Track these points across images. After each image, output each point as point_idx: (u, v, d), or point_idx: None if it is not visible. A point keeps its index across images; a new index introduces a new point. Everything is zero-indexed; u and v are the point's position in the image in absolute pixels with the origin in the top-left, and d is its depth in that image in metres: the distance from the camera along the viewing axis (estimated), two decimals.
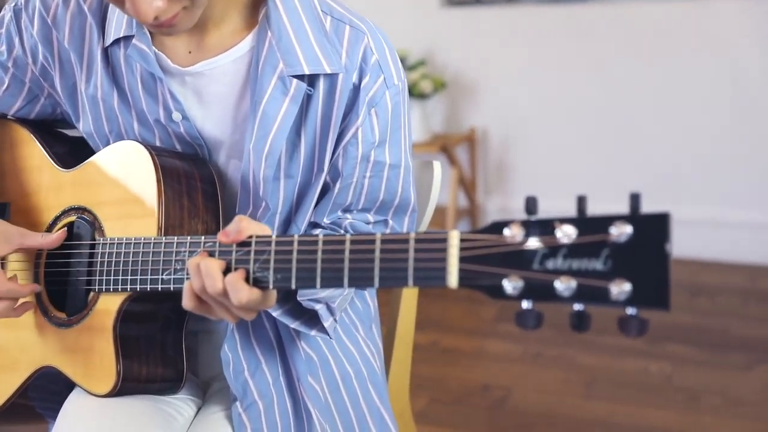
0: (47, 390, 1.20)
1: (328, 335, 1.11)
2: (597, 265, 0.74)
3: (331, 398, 1.18)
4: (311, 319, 1.10)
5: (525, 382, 2.56)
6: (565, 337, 2.79)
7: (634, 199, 0.76)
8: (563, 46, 3.61)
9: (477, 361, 2.78)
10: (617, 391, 2.48)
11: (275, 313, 1.09)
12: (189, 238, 0.98)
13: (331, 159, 1.13)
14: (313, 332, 1.11)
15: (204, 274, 0.91)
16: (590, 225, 0.76)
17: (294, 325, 1.10)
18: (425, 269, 0.81)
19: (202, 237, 0.97)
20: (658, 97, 3.52)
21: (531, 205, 0.80)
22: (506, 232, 0.78)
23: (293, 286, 0.89)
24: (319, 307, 1.08)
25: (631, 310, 0.73)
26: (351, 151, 1.12)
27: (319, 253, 0.88)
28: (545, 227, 0.77)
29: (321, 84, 1.10)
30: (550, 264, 0.76)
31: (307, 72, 1.08)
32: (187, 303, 0.93)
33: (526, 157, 3.77)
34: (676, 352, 2.73)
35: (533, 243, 0.77)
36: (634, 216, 0.74)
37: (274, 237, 0.91)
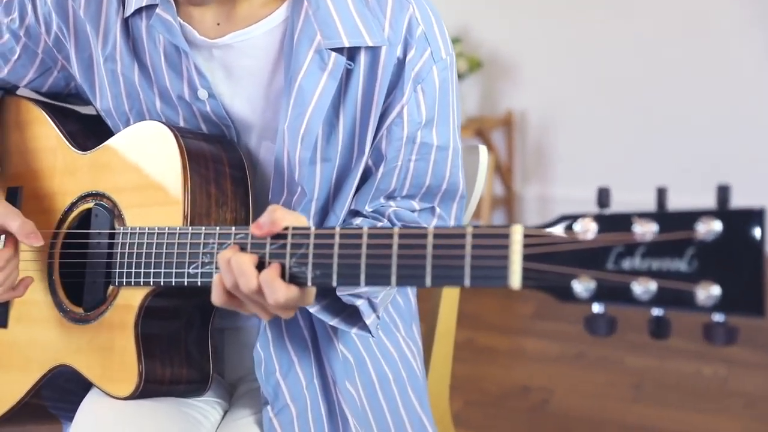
0: (62, 390, 1.17)
1: (370, 333, 1.07)
2: (681, 265, 0.70)
3: (367, 403, 1.15)
4: (351, 315, 1.06)
5: (567, 383, 2.52)
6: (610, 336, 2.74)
7: (722, 191, 0.71)
8: (606, 22, 3.54)
9: (515, 361, 2.74)
10: (667, 395, 2.43)
11: (312, 309, 1.05)
12: (218, 228, 0.94)
13: (373, 141, 1.09)
14: (354, 330, 1.06)
15: (236, 272, 0.87)
16: (673, 221, 0.71)
17: (333, 322, 1.06)
18: (484, 267, 0.77)
19: (233, 228, 0.93)
20: (707, 78, 3.44)
21: (604, 196, 0.75)
22: (576, 227, 0.74)
23: (334, 284, 0.85)
24: (360, 303, 1.04)
25: (718, 317, 0.69)
26: (395, 131, 1.08)
27: (364, 248, 0.83)
28: (621, 222, 0.72)
29: (362, 58, 1.06)
30: (627, 264, 0.72)
31: (346, 45, 1.04)
32: (216, 299, 0.90)
33: (567, 142, 3.71)
34: (731, 354, 2.67)
35: (607, 240, 0.73)
36: (723, 211, 0.69)
37: (312, 229, 0.87)
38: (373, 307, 1.06)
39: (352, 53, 1.06)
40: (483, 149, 1.29)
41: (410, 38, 1.07)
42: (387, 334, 1.22)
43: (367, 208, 1.11)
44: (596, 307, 0.73)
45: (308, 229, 0.88)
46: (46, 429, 1.79)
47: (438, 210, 1.15)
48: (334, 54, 1.04)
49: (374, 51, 1.06)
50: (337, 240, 0.85)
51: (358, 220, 1.09)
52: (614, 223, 0.73)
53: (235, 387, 1.20)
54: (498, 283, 0.76)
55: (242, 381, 1.19)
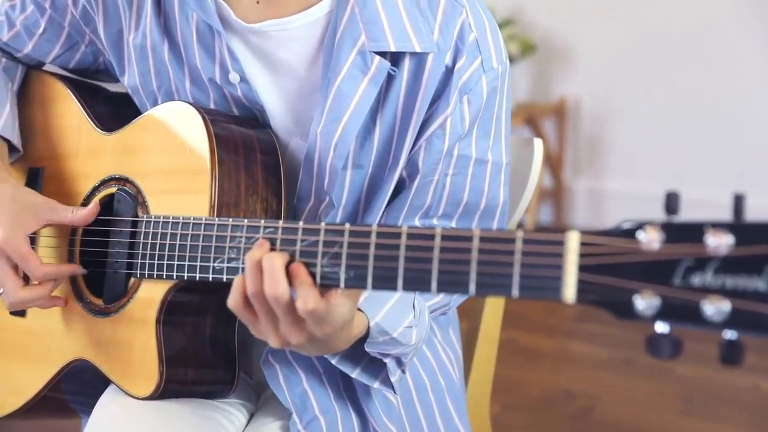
0: (81, 383, 1.14)
1: (393, 390, 1.02)
2: (759, 284, 0.64)
3: (403, 411, 1.11)
4: (374, 363, 1.01)
5: (613, 391, 2.46)
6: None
7: (738, 202, 0.65)
8: (668, 7, 3.43)
9: (559, 364, 2.68)
10: (720, 409, 2.36)
11: (333, 360, 1.00)
12: (246, 220, 0.90)
13: (410, 152, 1.04)
14: (376, 384, 1.02)
15: (266, 272, 0.82)
16: (752, 233, 0.65)
17: (354, 374, 1.01)
18: (535, 278, 0.71)
19: (261, 221, 0.89)
20: None
21: (672, 202, 0.69)
22: (640, 235, 0.68)
23: (369, 287, 0.80)
24: (388, 361, 1.00)
25: None
26: (436, 144, 1.03)
27: (403, 249, 0.79)
28: (691, 233, 0.67)
29: (406, 63, 1.02)
30: (697, 280, 0.66)
31: (392, 49, 1.00)
32: (233, 302, 0.84)
33: (622, 133, 3.61)
34: None
35: (675, 251, 0.67)
36: None
37: (347, 225, 0.82)
38: (400, 364, 1.02)
39: (396, 57, 1.02)
40: (538, 142, 1.23)
41: (461, 45, 1.02)
42: (425, 341, 1.16)
43: None
44: (660, 327, 0.68)
45: (343, 225, 0.83)
46: (65, 423, 1.78)
47: None
48: (377, 57, 1.00)
49: (420, 57, 1.01)
50: (374, 239, 0.81)
51: None
52: (684, 233, 0.67)
53: (264, 387, 1.17)
54: (550, 296, 0.71)
55: None
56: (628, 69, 3.55)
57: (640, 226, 0.69)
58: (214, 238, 0.93)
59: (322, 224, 0.84)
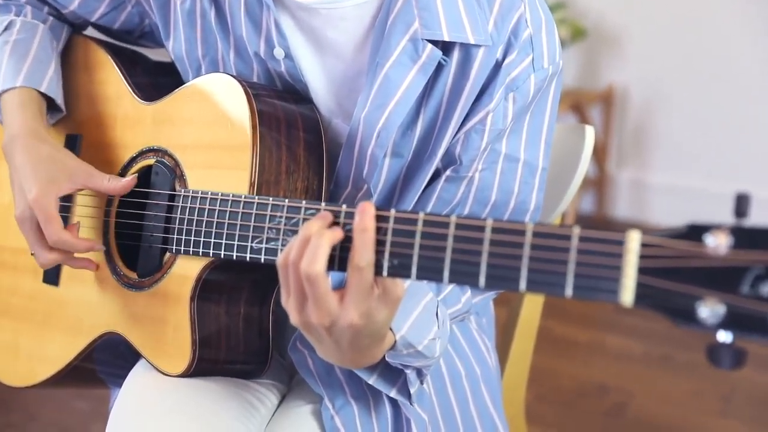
0: (112, 355, 1.13)
1: (410, 401, 0.99)
2: None
3: (436, 399, 1.09)
4: (390, 370, 0.97)
5: (649, 388, 2.41)
6: (699, 339, 2.60)
7: (741, 202, 0.62)
8: None
9: (594, 357, 2.64)
10: (761, 411, 2.30)
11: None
12: (287, 201, 0.87)
13: (449, 144, 1.01)
14: (393, 392, 0.99)
15: (310, 247, 0.78)
16: None
17: (371, 380, 0.98)
18: (590, 277, 0.68)
19: (303, 201, 0.86)
20: None
21: (742, 204, 0.66)
22: (707, 239, 0.65)
23: (413, 277, 0.77)
24: (409, 372, 0.97)
25: None
26: (474, 139, 1.00)
27: (450, 239, 0.75)
28: (763, 238, 0.63)
29: (455, 53, 0.99)
30: (767, 289, 0.62)
31: (446, 38, 0.97)
32: (280, 259, 0.81)
33: (671, 124, 3.53)
34: None
35: (744, 258, 0.63)
36: None
37: (393, 211, 0.79)
38: (421, 375, 0.99)
39: (447, 47, 0.98)
40: (589, 129, 1.19)
41: (514, 40, 0.99)
42: (459, 326, 1.15)
43: None
44: (723, 336, 0.64)
45: (388, 210, 0.80)
46: (94, 392, 1.77)
47: None
48: (429, 46, 0.97)
49: (470, 48, 0.98)
50: (420, 226, 0.78)
51: None
52: (755, 238, 0.64)
53: (296, 369, 1.14)
54: (606, 298, 0.68)
55: None
56: (681, 58, 3.46)
57: (708, 228, 0.65)
58: (253, 217, 0.90)
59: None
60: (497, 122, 0.99)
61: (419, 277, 0.78)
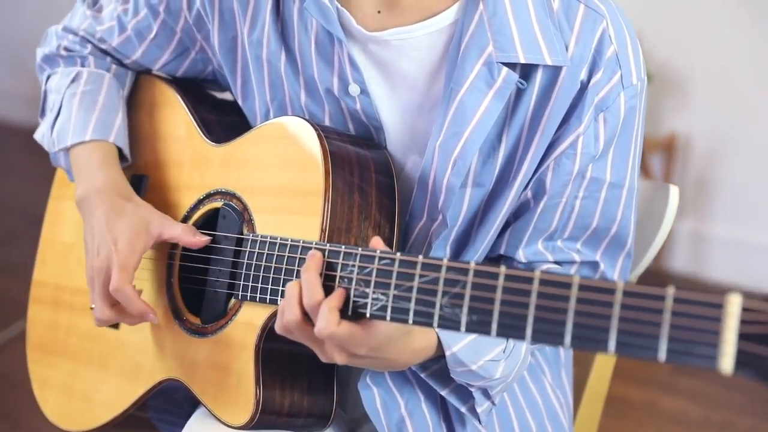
0: (168, 402, 1.13)
1: (479, 419, 1.01)
2: None
3: None
4: (462, 387, 1.00)
5: None
6: (762, 406, 2.54)
7: None
8: None
9: (648, 419, 2.57)
10: None
11: (422, 375, 1.01)
12: (360, 249, 0.87)
13: (535, 172, 1.01)
14: (464, 409, 1.01)
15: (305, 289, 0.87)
16: None
17: (444, 392, 1.00)
18: (686, 341, 0.66)
19: (377, 250, 0.86)
20: None
21: None
22: None
23: (493, 334, 0.77)
24: (474, 391, 0.98)
25: None
26: (566, 164, 1.00)
27: (534, 296, 0.74)
28: None
29: (538, 77, 0.98)
30: None
31: (522, 60, 0.96)
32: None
33: (735, 175, 3.45)
34: None
35: None
36: None
37: (472, 264, 0.79)
38: (488, 396, 1.00)
39: (526, 70, 0.98)
40: (674, 190, 1.17)
41: (598, 59, 0.98)
42: (533, 378, 1.14)
43: (521, 255, 1.03)
44: None
45: (467, 263, 0.79)
46: None
47: (601, 267, 1.05)
48: (505, 69, 0.97)
49: (553, 71, 0.97)
50: (501, 281, 0.77)
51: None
52: None
53: (359, 424, 1.14)
54: (702, 364, 0.66)
55: (366, 420, 1.12)
56: (748, 108, 3.41)
57: None
58: (324, 266, 0.90)
59: (444, 260, 0.81)
60: (588, 145, 0.99)
61: (500, 335, 0.77)
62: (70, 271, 1.22)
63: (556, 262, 1.04)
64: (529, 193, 1.02)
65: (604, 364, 1.27)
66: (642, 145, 1.05)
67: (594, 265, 1.05)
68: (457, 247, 1.05)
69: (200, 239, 1.04)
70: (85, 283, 1.17)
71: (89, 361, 1.17)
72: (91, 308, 1.06)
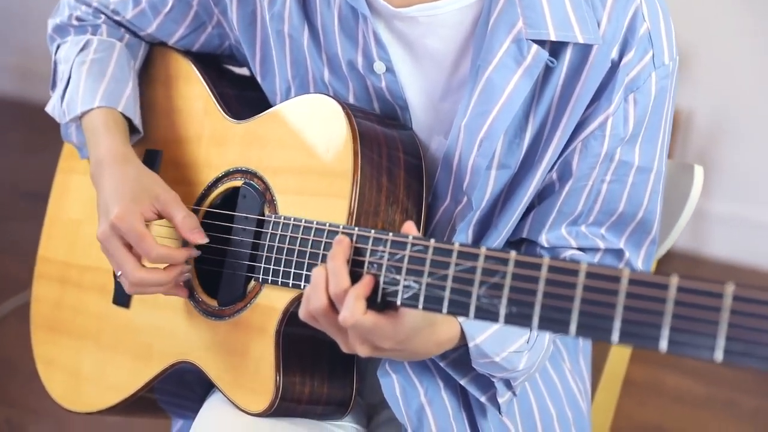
0: (179, 386, 1.11)
1: (499, 410, 1.00)
2: None
3: None
4: (482, 376, 0.98)
5: None
6: (767, 385, 2.55)
7: None
8: None
9: (651, 397, 2.57)
10: None
11: (441, 363, 0.99)
12: (391, 234, 0.84)
13: (562, 153, 0.98)
14: (484, 399, 1.00)
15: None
16: None
17: (463, 381, 1.00)
18: (748, 342, 0.64)
19: (410, 236, 0.83)
20: None
21: None
22: None
23: (535, 328, 0.74)
24: (496, 381, 0.97)
25: None
26: (593, 146, 0.97)
27: (580, 289, 0.72)
28: None
29: (567, 55, 0.95)
30: None
31: (553, 38, 0.93)
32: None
33: (738, 154, 3.46)
34: None
35: None
36: None
37: (513, 254, 0.76)
38: (510, 387, 0.99)
39: (555, 48, 0.95)
40: (698, 170, 1.15)
41: (630, 37, 0.95)
42: (553, 365, 1.13)
43: (545, 239, 1.01)
44: None
45: (507, 252, 0.77)
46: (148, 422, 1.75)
47: (626, 255, 1.03)
48: (535, 47, 0.94)
49: (583, 49, 0.95)
50: (544, 272, 0.74)
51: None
52: None
53: (376, 411, 1.12)
54: (700, 354, 0.67)
55: (383, 406, 1.10)
56: (749, 86, 3.40)
57: None
58: (352, 251, 0.87)
59: (482, 249, 0.78)
60: (617, 127, 0.96)
61: (541, 328, 0.74)
62: (78, 248, 1.18)
63: (579, 249, 1.02)
64: (554, 175, 0.99)
65: (620, 350, 1.26)
66: (671, 128, 1.03)
67: (618, 253, 1.03)
68: (479, 230, 1.02)
69: (196, 236, 1.00)
70: (94, 261, 1.15)
71: (97, 341, 1.14)
72: (118, 276, 1.01)
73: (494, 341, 0.93)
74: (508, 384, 0.99)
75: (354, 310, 0.81)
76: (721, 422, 2.42)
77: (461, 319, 0.92)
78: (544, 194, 1.01)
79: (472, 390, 1.00)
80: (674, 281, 0.68)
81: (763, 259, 3.22)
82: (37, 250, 1.25)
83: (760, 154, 3.45)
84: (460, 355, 0.97)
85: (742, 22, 3.42)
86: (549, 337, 1.01)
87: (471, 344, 0.92)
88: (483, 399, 1.00)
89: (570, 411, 1.11)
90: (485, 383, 0.99)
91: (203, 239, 1.00)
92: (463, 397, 1.05)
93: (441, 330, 0.90)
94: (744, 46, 3.44)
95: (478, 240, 1.02)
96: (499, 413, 1.01)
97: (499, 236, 1.01)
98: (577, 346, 1.17)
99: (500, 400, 0.99)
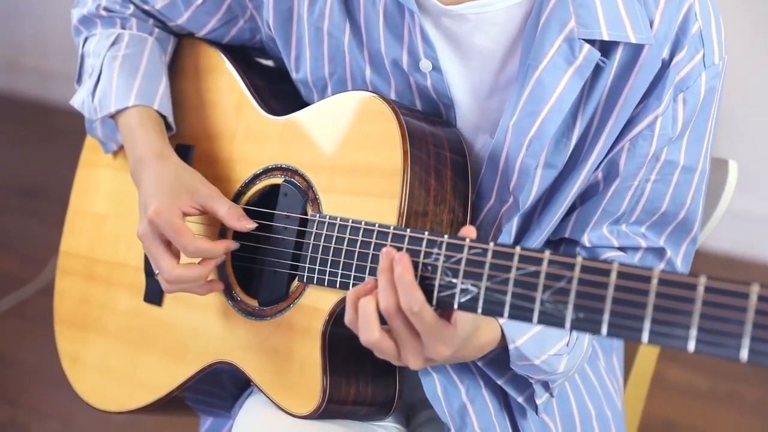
0: (214, 385, 1.10)
1: (536, 410, 1.01)
2: None
3: None
4: (520, 377, 0.99)
5: (718, 426, 2.37)
6: None
7: None
8: None
9: (656, 390, 2.58)
10: None
11: (480, 363, 1.00)
12: (446, 236, 0.83)
13: (608, 153, 0.98)
14: (521, 399, 1.00)
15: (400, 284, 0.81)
16: None
17: (500, 381, 1.00)
18: (712, 332, 0.67)
19: (467, 239, 0.82)
20: None
21: None
22: None
23: (604, 333, 0.74)
24: (534, 383, 0.97)
25: None
26: (642, 146, 0.96)
27: (652, 296, 0.71)
28: None
29: (618, 54, 0.94)
30: None
31: (605, 38, 0.92)
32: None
33: (738, 145, 3.47)
34: None
35: None
36: None
37: (579, 259, 0.76)
38: (548, 388, 0.99)
39: (605, 47, 0.94)
40: (733, 165, 1.15)
41: (682, 37, 0.94)
42: (591, 364, 1.13)
43: (587, 239, 1.00)
44: None
45: (573, 257, 0.76)
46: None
47: (668, 254, 1.03)
48: (587, 46, 0.93)
49: (634, 48, 0.94)
50: (613, 278, 0.73)
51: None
52: None
53: (416, 410, 1.12)
54: (725, 354, 0.67)
55: (424, 405, 1.10)
56: (750, 85, 3.40)
57: None
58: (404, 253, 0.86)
59: (546, 253, 0.77)
60: (666, 127, 0.96)
61: (611, 335, 0.74)
62: (105, 244, 1.16)
63: (620, 248, 1.02)
64: (599, 174, 0.98)
65: (649, 349, 1.27)
66: (717, 128, 1.03)
67: (660, 252, 1.03)
68: (521, 229, 1.02)
69: (245, 223, 0.99)
70: (122, 258, 1.13)
71: (127, 339, 1.12)
72: (156, 275, 1.01)
73: (534, 344, 0.93)
74: (546, 385, 0.99)
75: (415, 297, 0.80)
76: (725, 414, 2.44)
77: (501, 321, 0.92)
78: (588, 194, 1.01)
79: (510, 390, 1.00)
80: (702, 281, 0.69)
81: (762, 253, 3.23)
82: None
83: (760, 153, 3.45)
84: (497, 355, 0.97)
85: (742, 22, 3.42)
86: (588, 339, 1.01)
87: (511, 347, 0.92)
88: (520, 399, 1.00)
89: (609, 410, 1.11)
90: (523, 383, 0.99)
91: (252, 224, 0.99)
92: (503, 397, 1.05)
93: (484, 333, 0.90)
94: (745, 37, 3.44)
95: (519, 240, 1.02)
96: (537, 414, 1.01)
97: (541, 235, 1.01)
98: (611, 344, 1.17)
99: (538, 402, 0.99)
